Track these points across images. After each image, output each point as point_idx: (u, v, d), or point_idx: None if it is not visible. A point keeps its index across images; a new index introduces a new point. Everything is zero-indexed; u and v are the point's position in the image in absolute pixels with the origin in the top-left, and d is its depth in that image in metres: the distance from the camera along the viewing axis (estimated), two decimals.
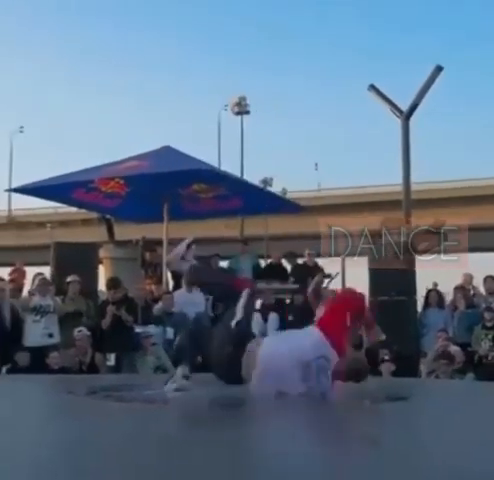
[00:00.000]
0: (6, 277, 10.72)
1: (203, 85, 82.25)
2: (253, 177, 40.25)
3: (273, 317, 10.42)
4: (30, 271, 11.70)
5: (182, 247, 11.60)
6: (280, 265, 12.73)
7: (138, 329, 9.82)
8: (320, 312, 5.00)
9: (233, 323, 4.82)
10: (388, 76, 65.84)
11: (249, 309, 5.10)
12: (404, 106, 16.80)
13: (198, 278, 6.43)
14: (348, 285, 13.09)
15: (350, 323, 4.82)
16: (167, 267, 11.61)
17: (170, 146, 11.53)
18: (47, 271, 11.08)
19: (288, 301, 11.65)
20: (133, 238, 16.89)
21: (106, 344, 9.61)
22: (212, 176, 10.98)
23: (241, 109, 39.68)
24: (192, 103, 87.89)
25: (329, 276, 11.59)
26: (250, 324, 5.08)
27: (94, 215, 26.60)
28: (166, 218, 11.58)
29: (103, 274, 15.73)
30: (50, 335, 9.39)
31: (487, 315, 10.01)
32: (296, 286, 11.26)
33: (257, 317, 9.94)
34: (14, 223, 41.75)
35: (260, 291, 5.35)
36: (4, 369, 8.92)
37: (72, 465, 2.26)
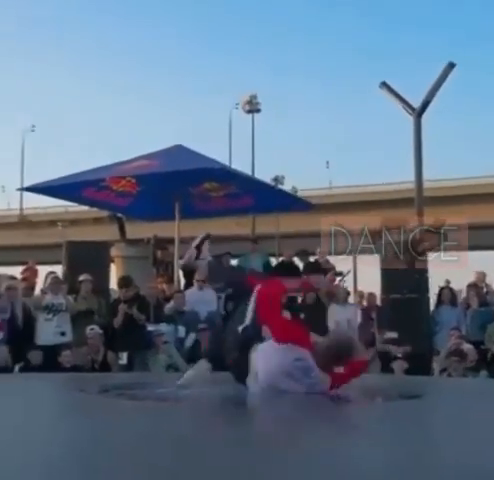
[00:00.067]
0: (18, 276, 10.75)
1: (214, 84, 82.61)
2: (264, 175, 40.38)
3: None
4: (42, 270, 11.73)
5: (192, 250, 11.61)
6: (292, 263, 12.70)
7: (150, 327, 9.83)
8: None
9: (240, 328, 4.79)
10: (400, 74, 65.86)
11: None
12: (416, 104, 16.73)
13: (215, 275, 6.46)
14: (360, 283, 13.12)
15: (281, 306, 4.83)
16: (184, 266, 11.59)
17: (182, 145, 11.54)
18: (59, 270, 11.11)
19: (300, 299, 11.64)
20: (145, 237, 16.89)
21: (118, 342, 9.63)
22: (223, 174, 10.98)
23: (252, 107, 39.66)
24: (203, 102, 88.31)
25: (341, 274, 11.64)
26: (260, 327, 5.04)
27: (105, 214, 26.68)
28: (177, 216, 11.59)
29: (115, 273, 15.77)
30: (62, 333, 9.42)
31: None
32: None
33: None
34: (26, 222, 41.94)
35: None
36: (17, 367, 8.94)
37: (84, 464, 2.26)
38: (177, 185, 10.88)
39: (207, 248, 6.55)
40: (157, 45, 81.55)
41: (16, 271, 11.77)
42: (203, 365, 4.94)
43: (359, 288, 12.85)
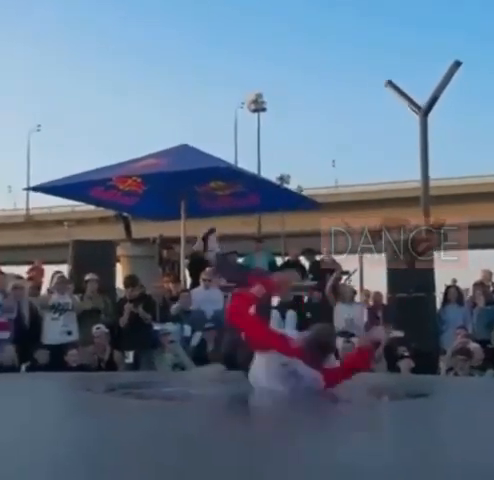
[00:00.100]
0: (25, 275, 10.76)
1: (220, 83, 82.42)
2: (270, 174, 40.30)
3: (291, 314, 10.39)
4: (48, 269, 11.74)
5: (199, 240, 11.74)
6: (298, 262, 12.68)
7: (156, 327, 9.83)
8: None
9: None
10: (407, 73, 65.58)
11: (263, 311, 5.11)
12: (423, 104, 16.70)
13: (223, 268, 6.50)
14: (366, 282, 13.10)
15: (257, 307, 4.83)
16: (194, 254, 11.68)
17: (188, 144, 11.55)
18: (65, 269, 11.11)
19: (306, 298, 11.63)
20: (150, 236, 16.89)
21: (124, 342, 9.63)
22: (229, 173, 10.99)
23: (258, 106, 39.58)
24: (209, 101, 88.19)
25: (347, 273, 11.63)
26: None
27: (111, 213, 26.66)
28: (183, 216, 11.59)
29: (121, 272, 15.77)
30: (69, 333, 9.42)
31: None
32: (315, 283, 11.22)
33: (275, 314, 9.94)
34: (32, 222, 41.97)
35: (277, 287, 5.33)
36: (24, 367, 8.95)
37: (90, 463, 2.26)
38: (183, 184, 10.89)
39: (214, 241, 6.62)
40: (162, 44, 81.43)
41: (22, 270, 11.78)
42: (218, 367, 4.95)
43: (365, 287, 12.83)
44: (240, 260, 13.13)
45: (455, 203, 28.14)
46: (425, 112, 16.40)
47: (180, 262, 11.94)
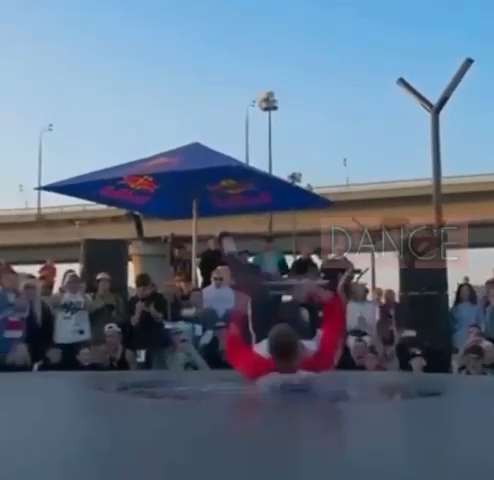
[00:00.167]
0: (37, 275, 10.80)
1: (231, 82, 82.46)
2: (281, 173, 40.27)
3: (303, 313, 10.37)
4: (60, 268, 11.79)
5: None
6: (310, 261, 12.66)
7: (168, 325, 9.84)
8: None
9: None
10: (418, 72, 65.36)
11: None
12: (434, 101, 16.62)
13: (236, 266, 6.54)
14: (378, 280, 13.06)
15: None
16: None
17: (199, 143, 11.55)
18: (77, 268, 11.15)
19: None
20: (162, 235, 16.93)
21: (136, 341, 9.64)
22: (240, 172, 10.99)
23: (269, 105, 39.65)
24: (220, 100, 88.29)
25: (359, 271, 11.59)
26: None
27: (123, 212, 26.70)
28: (195, 215, 11.60)
29: (132, 271, 15.79)
30: (81, 332, 9.45)
31: None
32: (326, 282, 11.19)
33: None
34: (43, 221, 42.14)
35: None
36: (36, 366, 8.98)
37: (102, 462, 2.26)
38: (194, 183, 10.89)
39: (228, 243, 6.60)
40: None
41: (34, 270, 11.85)
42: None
43: (377, 285, 12.80)
44: (250, 259, 13.14)
45: (466, 201, 28.07)
46: (437, 110, 16.32)
47: (191, 261, 11.95)
